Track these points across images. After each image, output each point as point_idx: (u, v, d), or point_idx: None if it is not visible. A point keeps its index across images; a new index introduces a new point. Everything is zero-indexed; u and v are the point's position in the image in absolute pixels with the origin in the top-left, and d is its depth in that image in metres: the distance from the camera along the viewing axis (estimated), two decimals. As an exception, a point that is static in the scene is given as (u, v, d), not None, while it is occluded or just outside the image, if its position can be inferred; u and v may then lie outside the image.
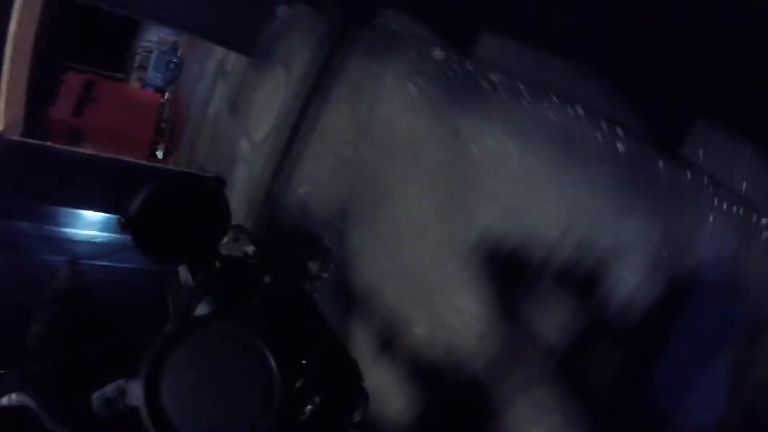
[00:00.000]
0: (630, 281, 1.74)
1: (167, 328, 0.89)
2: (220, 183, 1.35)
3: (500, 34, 2.33)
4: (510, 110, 2.17)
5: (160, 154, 11.35)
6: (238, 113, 6.32)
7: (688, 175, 1.68)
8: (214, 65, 9.32)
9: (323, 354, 1.08)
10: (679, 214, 1.68)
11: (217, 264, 1.31)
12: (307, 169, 3.86)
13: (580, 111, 1.93)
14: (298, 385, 0.97)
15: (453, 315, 2.26)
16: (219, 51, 9.22)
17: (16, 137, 7.00)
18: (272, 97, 5.06)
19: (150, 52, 15.83)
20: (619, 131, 1.84)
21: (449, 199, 2.34)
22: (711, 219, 1.62)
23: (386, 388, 2.59)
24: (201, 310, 1.15)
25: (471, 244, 2.19)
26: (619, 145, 1.82)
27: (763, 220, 1.52)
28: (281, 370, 0.88)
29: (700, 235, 1.62)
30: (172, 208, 1.21)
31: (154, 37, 18.66)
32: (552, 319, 1.92)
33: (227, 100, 7.15)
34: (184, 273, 1.26)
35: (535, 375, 1.95)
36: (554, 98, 2.02)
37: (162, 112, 14.02)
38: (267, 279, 1.28)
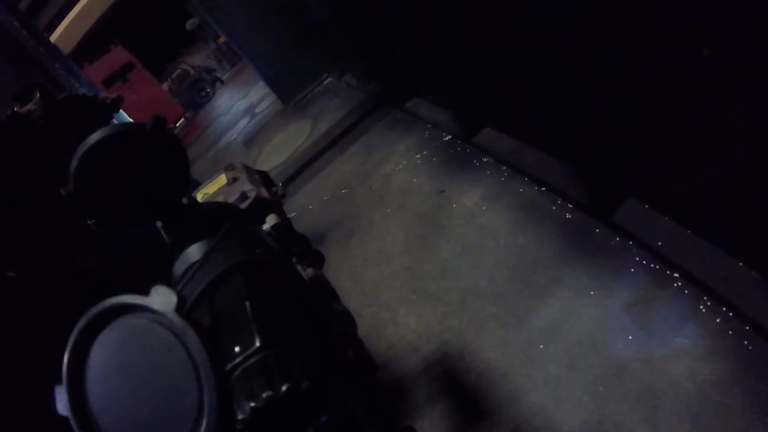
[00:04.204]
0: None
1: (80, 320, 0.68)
2: (159, 122, 0.97)
3: (497, 130, 2.97)
4: (491, 183, 2.74)
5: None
6: (252, 146, 6.97)
7: (617, 237, 2.15)
8: (245, 105, 10.24)
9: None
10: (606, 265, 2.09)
11: (191, 216, 1.06)
12: (302, 200, 4.34)
13: (543, 188, 2.48)
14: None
15: (392, 327, 2.60)
16: (255, 95, 10.19)
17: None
18: (292, 140, 5.71)
19: (190, 73, 16.85)
20: (570, 204, 2.38)
21: (420, 237, 2.80)
22: (631, 270, 2.03)
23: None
24: (178, 267, 0.97)
25: (426, 272, 2.62)
26: (568, 214, 2.35)
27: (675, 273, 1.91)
28: (215, 373, 0.65)
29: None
30: (113, 167, 0.93)
31: (201, 62, 19.73)
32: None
33: (246, 134, 7.90)
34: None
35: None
36: (525, 178, 2.58)
37: (176, 124, 14.64)
38: (267, 224, 1.07)
